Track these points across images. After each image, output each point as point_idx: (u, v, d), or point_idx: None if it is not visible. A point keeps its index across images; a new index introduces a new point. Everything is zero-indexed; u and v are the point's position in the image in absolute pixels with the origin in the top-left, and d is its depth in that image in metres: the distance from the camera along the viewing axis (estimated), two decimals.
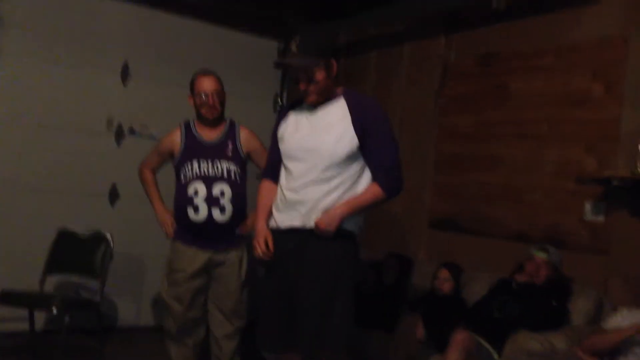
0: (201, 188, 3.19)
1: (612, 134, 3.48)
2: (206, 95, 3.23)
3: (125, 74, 4.85)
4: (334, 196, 2.54)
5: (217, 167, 3.23)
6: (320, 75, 2.55)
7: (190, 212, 3.20)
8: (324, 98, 2.60)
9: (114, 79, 4.82)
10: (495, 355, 3.22)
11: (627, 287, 3.33)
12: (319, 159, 2.53)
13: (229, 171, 3.24)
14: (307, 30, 5.15)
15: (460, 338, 3.21)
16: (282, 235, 2.62)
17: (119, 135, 4.84)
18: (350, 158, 2.55)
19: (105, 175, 4.75)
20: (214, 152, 3.26)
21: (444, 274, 3.83)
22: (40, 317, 4.23)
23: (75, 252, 4.18)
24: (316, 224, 2.52)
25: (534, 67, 3.93)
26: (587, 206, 3.55)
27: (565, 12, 3.79)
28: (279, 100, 5.66)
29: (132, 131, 4.88)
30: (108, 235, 4.14)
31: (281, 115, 2.81)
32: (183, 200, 3.23)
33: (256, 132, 3.44)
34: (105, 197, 4.79)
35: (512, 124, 4.03)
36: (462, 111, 4.38)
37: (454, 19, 4.46)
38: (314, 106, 2.62)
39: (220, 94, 3.28)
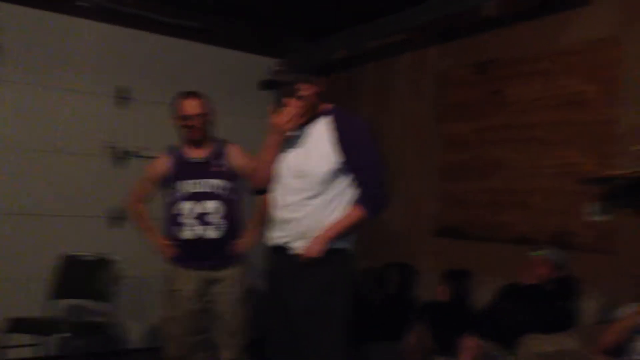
0: (190, 206, 3.18)
1: (611, 134, 3.51)
2: (188, 118, 3.24)
3: (121, 96, 4.88)
4: (318, 215, 2.56)
5: (206, 185, 3.22)
6: (307, 91, 2.56)
7: (181, 231, 3.19)
8: (309, 115, 2.60)
9: (110, 101, 4.85)
10: None
11: (636, 285, 3.32)
12: (304, 178, 2.56)
13: (217, 187, 3.23)
14: (299, 48, 5.21)
15: (469, 344, 3.21)
16: (277, 253, 2.67)
17: (118, 157, 4.86)
18: (332, 177, 2.56)
19: (107, 198, 4.75)
20: (202, 170, 3.25)
21: (440, 281, 3.87)
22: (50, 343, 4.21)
23: (80, 276, 4.18)
24: (303, 253, 2.55)
25: (528, 72, 3.96)
26: (592, 207, 3.56)
27: (556, 15, 3.83)
28: None
29: (130, 153, 4.90)
30: (113, 258, 4.13)
31: None
32: (173, 220, 3.22)
33: (250, 149, 3.40)
34: (107, 219, 4.80)
35: (511, 129, 4.05)
36: (461, 119, 4.40)
37: (447, 29, 4.50)
38: (302, 125, 2.62)
39: (203, 115, 3.27)
